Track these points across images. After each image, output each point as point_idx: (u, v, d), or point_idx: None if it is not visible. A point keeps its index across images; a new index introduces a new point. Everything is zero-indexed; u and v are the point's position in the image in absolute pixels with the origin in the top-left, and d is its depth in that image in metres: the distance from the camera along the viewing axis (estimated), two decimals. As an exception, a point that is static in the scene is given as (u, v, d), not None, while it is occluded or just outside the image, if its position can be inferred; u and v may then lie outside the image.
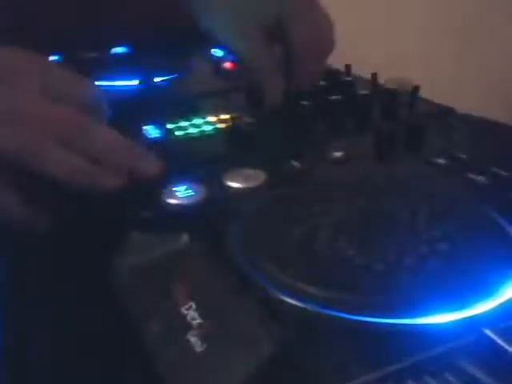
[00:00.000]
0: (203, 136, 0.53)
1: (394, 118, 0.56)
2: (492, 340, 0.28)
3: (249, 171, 0.44)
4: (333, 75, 0.64)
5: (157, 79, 0.67)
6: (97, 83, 0.59)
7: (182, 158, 0.48)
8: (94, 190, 0.39)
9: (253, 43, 0.56)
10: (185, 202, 0.41)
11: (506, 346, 0.28)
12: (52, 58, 0.72)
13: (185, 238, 0.38)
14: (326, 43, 0.59)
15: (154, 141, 0.51)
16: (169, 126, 0.54)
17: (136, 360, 0.31)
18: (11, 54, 0.41)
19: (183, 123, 0.55)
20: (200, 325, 0.31)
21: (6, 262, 0.43)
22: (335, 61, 0.64)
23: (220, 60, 0.73)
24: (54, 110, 0.39)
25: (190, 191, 0.42)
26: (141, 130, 0.53)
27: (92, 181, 0.39)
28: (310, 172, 0.46)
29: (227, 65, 0.71)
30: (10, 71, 0.40)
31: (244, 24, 0.56)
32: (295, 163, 0.46)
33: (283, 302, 0.31)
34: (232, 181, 0.43)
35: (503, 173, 0.44)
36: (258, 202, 0.41)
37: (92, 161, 0.39)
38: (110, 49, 0.77)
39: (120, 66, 0.73)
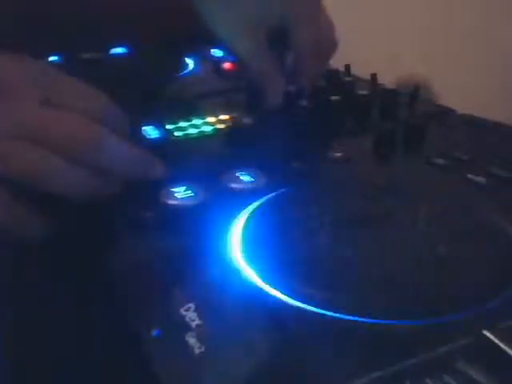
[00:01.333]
0: (203, 136, 0.53)
1: (394, 118, 0.56)
2: (491, 341, 0.28)
3: (248, 171, 0.44)
4: (333, 75, 0.64)
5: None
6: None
7: (182, 159, 0.48)
8: (95, 199, 0.39)
9: (253, 43, 0.56)
10: (184, 202, 0.41)
11: (505, 347, 0.27)
12: (52, 58, 0.72)
13: (184, 237, 0.38)
14: (328, 44, 0.59)
15: (154, 141, 0.51)
16: (168, 126, 0.54)
17: (134, 361, 0.31)
18: (7, 63, 0.40)
19: (182, 124, 0.55)
20: (199, 326, 0.31)
21: (6, 261, 0.43)
22: (335, 61, 0.64)
23: (220, 60, 0.73)
24: (55, 120, 0.38)
25: (189, 192, 0.42)
26: (140, 130, 0.53)
27: (95, 192, 0.39)
28: (310, 172, 0.46)
29: (227, 65, 0.71)
30: (6, 82, 0.39)
31: (245, 23, 0.56)
32: (295, 163, 0.46)
33: (283, 302, 0.31)
34: (231, 181, 0.43)
35: (503, 173, 0.44)
36: (258, 202, 0.41)
37: (96, 170, 0.38)
38: (110, 49, 0.77)
39: (120, 67, 0.73)
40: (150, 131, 0.53)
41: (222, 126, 0.54)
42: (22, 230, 0.38)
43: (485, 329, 0.29)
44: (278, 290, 0.32)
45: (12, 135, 0.37)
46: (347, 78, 0.64)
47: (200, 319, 0.31)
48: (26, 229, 0.39)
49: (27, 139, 0.37)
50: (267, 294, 0.32)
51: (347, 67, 0.67)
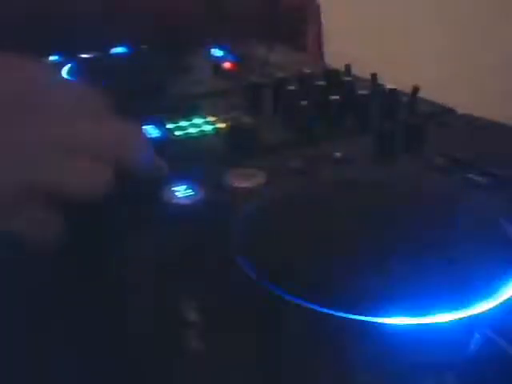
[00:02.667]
0: (203, 136, 0.53)
1: (393, 118, 0.56)
2: (492, 340, 0.28)
3: (249, 171, 0.44)
4: (333, 75, 0.64)
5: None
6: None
7: (182, 158, 0.48)
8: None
9: None
10: (185, 201, 0.41)
11: (506, 346, 0.28)
12: (52, 58, 0.72)
13: (184, 236, 0.38)
14: None
15: (154, 141, 0.51)
16: (169, 125, 0.54)
17: (135, 360, 0.31)
18: (35, 69, 0.39)
19: (183, 123, 0.55)
20: (199, 324, 0.31)
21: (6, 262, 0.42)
22: (335, 61, 0.64)
23: (220, 60, 0.73)
24: (100, 132, 0.37)
25: (189, 191, 0.42)
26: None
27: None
28: (310, 172, 0.46)
29: (227, 65, 0.71)
30: (39, 95, 0.37)
31: None
32: (295, 163, 0.46)
33: (283, 301, 0.31)
34: (232, 180, 0.43)
35: (503, 173, 0.44)
36: (258, 202, 0.41)
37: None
38: (110, 49, 0.77)
39: (120, 66, 0.73)
40: (150, 131, 0.53)
41: (222, 126, 0.54)
42: (45, 237, 0.38)
43: (485, 328, 0.29)
44: (277, 289, 0.32)
45: (63, 150, 0.36)
46: (347, 78, 0.64)
47: (201, 317, 0.31)
48: (49, 236, 0.38)
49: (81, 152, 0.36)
50: (267, 293, 0.32)
51: (347, 67, 0.67)
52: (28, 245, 0.36)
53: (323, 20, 0.91)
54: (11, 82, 0.37)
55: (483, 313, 0.30)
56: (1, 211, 0.34)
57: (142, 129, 0.40)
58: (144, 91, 0.62)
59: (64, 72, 0.67)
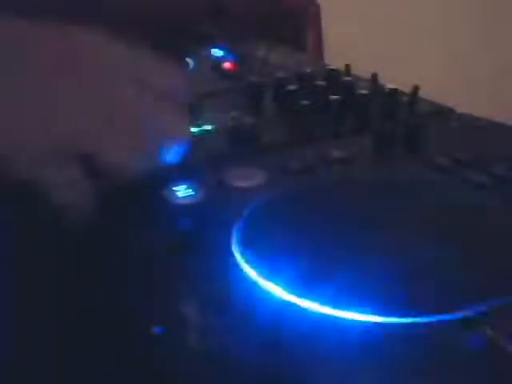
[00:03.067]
0: (203, 135, 0.53)
1: (393, 118, 0.56)
2: (492, 339, 0.28)
3: (249, 170, 0.44)
4: (333, 75, 0.64)
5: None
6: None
7: (182, 157, 0.48)
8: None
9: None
10: (185, 201, 0.41)
11: (506, 345, 0.28)
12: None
13: (184, 236, 0.38)
14: None
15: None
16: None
17: (135, 359, 0.31)
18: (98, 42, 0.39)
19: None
20: (200, 323, 0.31)
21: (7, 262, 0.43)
22: (335, 61, 0.64)
23: (220, 60, 0.73)
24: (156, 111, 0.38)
25: (189, 190, 0.42)
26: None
27: None
28: (309, 172, 0.46)
29: (227, 64, 0.71)
30: (99, 63, 0.38)
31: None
32: (295, 163, 0.46)
33: (283, 300, 0.31)
34: (232, 180, 0.43)
35: (503, 173, 0.44)
36: (257, 202, 0.41)
37: None
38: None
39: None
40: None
41: (222, 126, 0.54)
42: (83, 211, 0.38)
43: (486, 328, 0.29)
44: (277, 288, 0.32)
45: (113, 126, 0.36)
46: (347, 78, 0.64)
47: (201, 317, 0.31)
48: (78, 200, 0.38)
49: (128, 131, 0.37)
50: (267, 293, 0.32)
51: (347, 67, 0.67)
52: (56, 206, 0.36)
53: (323, 20, 0.91)
54: (60, 48, 0.38)
55: (483, 312, 0.30)
56: (39, 165, 0.35)
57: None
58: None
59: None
